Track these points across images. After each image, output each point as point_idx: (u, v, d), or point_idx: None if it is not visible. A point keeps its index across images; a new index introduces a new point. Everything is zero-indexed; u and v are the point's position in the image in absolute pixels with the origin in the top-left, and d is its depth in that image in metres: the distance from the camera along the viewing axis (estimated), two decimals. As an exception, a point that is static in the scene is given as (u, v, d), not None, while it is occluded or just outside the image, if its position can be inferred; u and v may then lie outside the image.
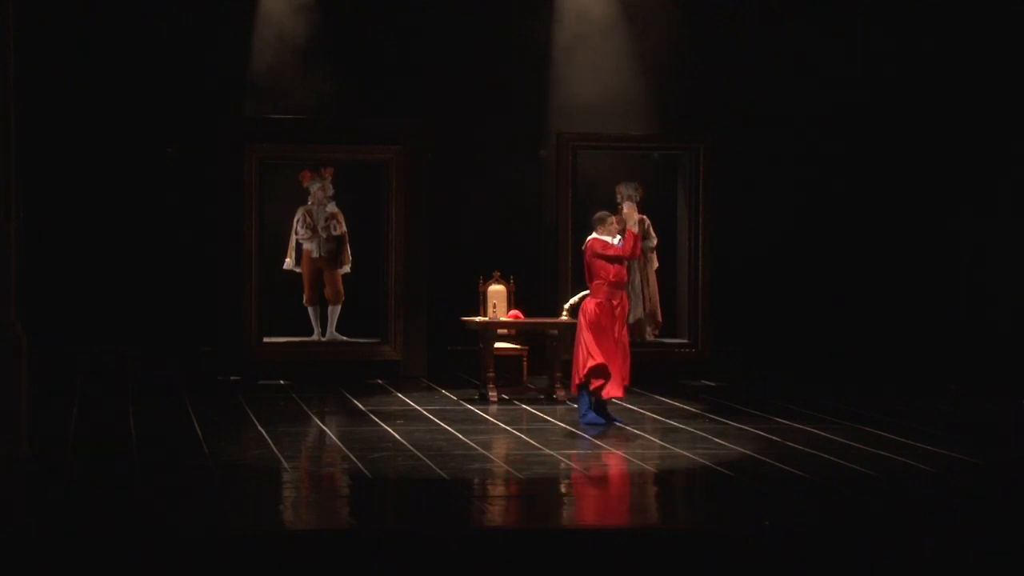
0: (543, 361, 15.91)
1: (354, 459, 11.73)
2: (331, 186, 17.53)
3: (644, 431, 13.51)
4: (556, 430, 13.53)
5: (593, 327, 13.70)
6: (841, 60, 18.34)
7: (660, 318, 17.93)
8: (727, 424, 13.81)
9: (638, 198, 17.78)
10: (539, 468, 11.71)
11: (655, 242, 17.86)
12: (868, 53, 18.37)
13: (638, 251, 14.17)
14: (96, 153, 17.52)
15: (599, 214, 14.16)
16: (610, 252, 13.80)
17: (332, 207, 17.56)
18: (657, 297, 17.89)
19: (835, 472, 11.38)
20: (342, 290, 17.68)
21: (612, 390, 13.69)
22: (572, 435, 13.24)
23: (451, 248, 17.73)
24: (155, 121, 17.59)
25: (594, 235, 13.97)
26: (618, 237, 13.93)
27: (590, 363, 13.61)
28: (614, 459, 12.15)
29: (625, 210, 14.85)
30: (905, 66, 18.30)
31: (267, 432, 13.05)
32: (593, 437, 13.12)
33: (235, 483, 11.05)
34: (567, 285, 17.19)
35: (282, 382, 16.73)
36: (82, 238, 17.55)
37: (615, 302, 13.81)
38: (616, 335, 13.76)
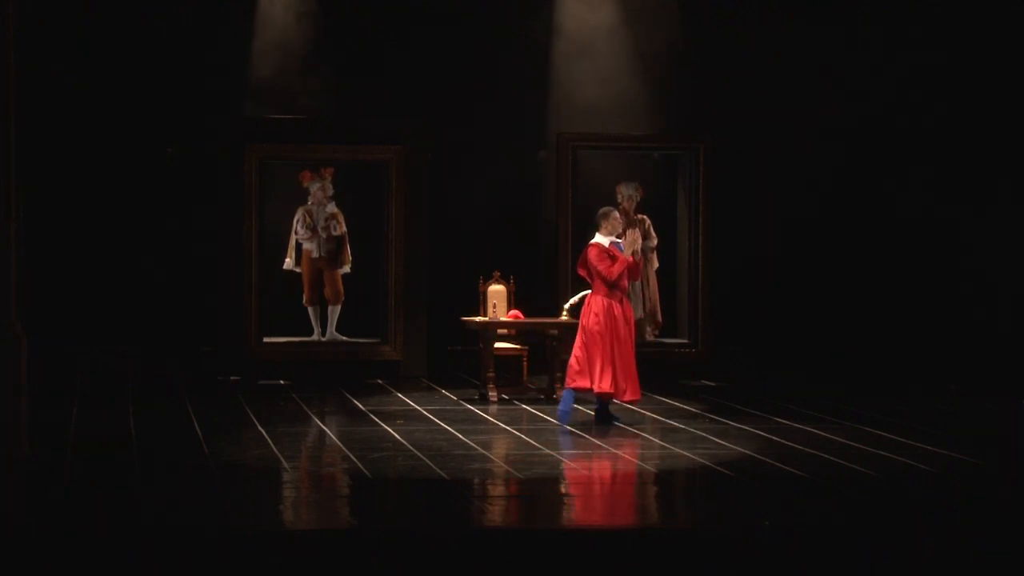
0: (543, 361, 15.91)
1: (354, 459, 11.73)
2: (331, 186, 17.53)
3: (644, 431, 13.51)
4: (556, 430, 13.53)
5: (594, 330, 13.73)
6: (841, 60, 18.33)
7: (660, 318, 17.93)
8: (727, 424, 13.81)
9: (638, 198, 17.79)
10: (539, 468, 11.71)
11: (655, 242, 17.86)
12: (868, 53, 18.36)
13: (613, 273, 13.74)
14: (96, 153, 17.52)
15: (603, 209, 14.09)
16: (601, 268, 13.73)
17: (332, 207, 17.56)
18: (657, 297, 17.89)
19: (835, 472, 11.38)
20: (342, 290, 17.68)
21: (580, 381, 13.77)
22: (572, 435, 13.24)
23: (451, 248, 17.73)
24: (155, 121, 17.60)
25: (596, 238, 13.92)
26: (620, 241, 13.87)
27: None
28: (614, 459, 12.15)
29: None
30: (905, 65, 18.30)
31: (267, 432, 13.05)
32: (592, 437, 13.12)
33: (235, 483, 11.05)
34: (567, 285, 17.19)
35: (282, 382, 16.72)
36: (82, 238, 17.55)
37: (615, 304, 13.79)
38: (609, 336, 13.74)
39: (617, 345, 13.72)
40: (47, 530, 9.34)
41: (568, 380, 13.85)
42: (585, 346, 13.74)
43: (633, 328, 14.00)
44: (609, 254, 13.78)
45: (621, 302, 13.85)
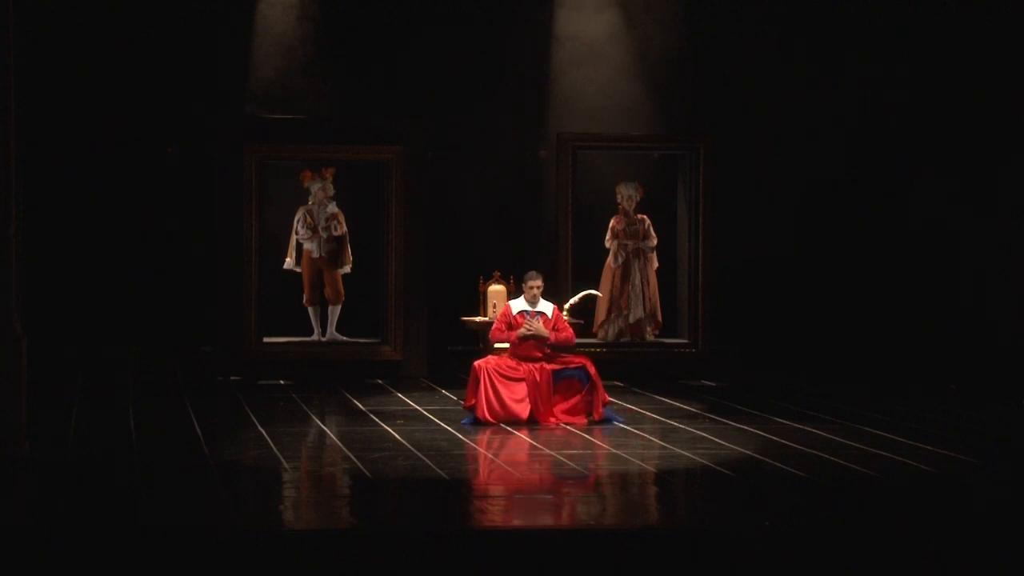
0: (543, 361, 15.89)
1: (354, 459, 11.74)
2: (332, 186, 17.53)
3: (644, 431, 13.51)
4: (557, 430, 13.53)
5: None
6: (842, 59, 18.34)
7: (660, 318, 17.93)
8: (727, 424, 13.82)
9: (638, 198, 17.80)
10: (539, 468, 11.71)
11: (655, 242, 17.87)
12: (868, 53, 18.36)
13: (490, 336, 14.24)
14: (96, 153, 17.53)
15: (527, 274, 14.32)
16: (502, 336, 14.13)
17: (333, 207, 17.55)
18: (657, 297, 17.90)
19: (835, 472, 11.39)
20: (342, 290, 17.68)
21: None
22: (572, 435, 13.24)
23: (451, 248, 17.74)
24: (155, 121, 17.61)
25: (515, 300, 14.28)
26: (537, 312, 14.05)
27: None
28: (614, 459, 12.14)
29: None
30: (905, 65, 18.30)
31: (267, 432, 13.05)
32: (591, 437, 13.13)
33: (235, 483, 11.05)
34: (567, 285, 17.19)
35: (282, 382, 16.73)
36: (82, 238, 17.56)
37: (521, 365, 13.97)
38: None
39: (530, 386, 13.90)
40: (47, 530, 9.34)
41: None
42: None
43: (545, 379, 13.93)
44: (509, 321, 14.10)
45: (530, 360, 13.98)
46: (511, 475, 11.54)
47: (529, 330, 13.99)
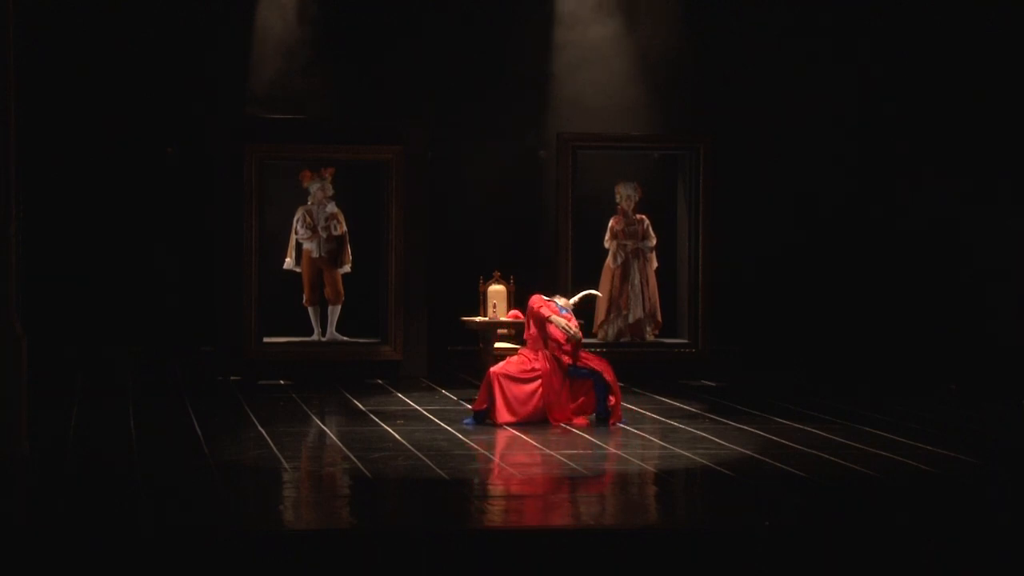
0: (543, 361, 15.88)
1: (354, 459, 11.74)
2: (331, 186, 17.53)
3: (644, 431, 13.51)
4: (556, 430, 13.53)
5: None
6: (841, 59, 18.34)
7: (660, 318, 17.94)
8: (727, 424, 13.82)
9: (637, 198, 17.81)
10: (539, 468, 11.71)
11: (654, 242, 17.87)
12: (868, 52, 18.36)
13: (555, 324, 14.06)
14: (96, 153, 17.52)
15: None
16: (545, 307, 14.05)
17: (332, 207, 17.56)
18: (657, 297, 17.90)
19: (835, 472, 11.39)
20: (342, 290, 17.69)
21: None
22: (572, 435, 13.24)
23: (451, 248, 17.73)
24: (155, 121, 17.60)
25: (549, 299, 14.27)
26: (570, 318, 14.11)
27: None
28: (614, 459, 12.15)
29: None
30: (906, 65, 18.29)
31: (267, 432, 13.06)
32: (591, 437, 13.12)
33: (235, 483, 11.05)
34: (567, 285, 17.20)
35: (282, 382, 16.73)
36: (82, 238, 17.55)
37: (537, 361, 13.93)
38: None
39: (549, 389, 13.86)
40: (47, 530, 9.34)
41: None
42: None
43: (563, 372, 13.97)
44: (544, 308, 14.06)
45: (552, 349, 13.98)
46: (511, 475, 11.55)
47: (569, 331, 13.97)
